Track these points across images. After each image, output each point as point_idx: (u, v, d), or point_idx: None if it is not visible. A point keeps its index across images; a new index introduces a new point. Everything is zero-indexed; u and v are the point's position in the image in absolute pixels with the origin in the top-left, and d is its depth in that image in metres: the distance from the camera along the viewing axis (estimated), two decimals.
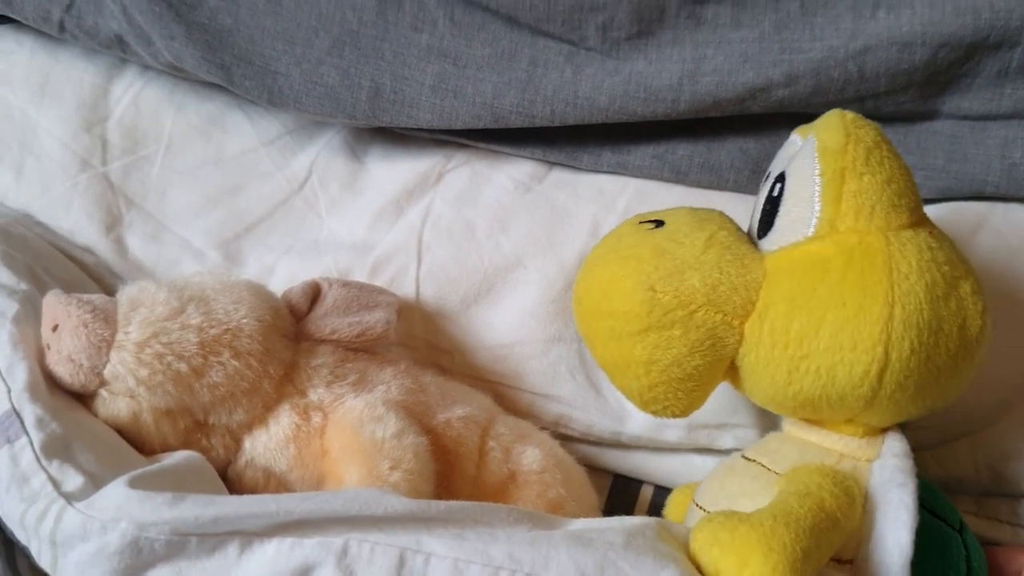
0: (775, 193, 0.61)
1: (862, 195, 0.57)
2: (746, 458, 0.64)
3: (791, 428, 0.65)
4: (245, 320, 0.64)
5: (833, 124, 0.59)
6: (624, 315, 0.60)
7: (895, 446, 0.61)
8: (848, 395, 0.58)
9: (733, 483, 0.63)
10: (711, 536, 0.51)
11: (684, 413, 0.62)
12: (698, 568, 0.51)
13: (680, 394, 0.60)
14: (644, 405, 0.62)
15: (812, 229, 0.58)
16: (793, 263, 0.58)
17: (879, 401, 0.58)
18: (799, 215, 0.59)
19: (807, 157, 0.59)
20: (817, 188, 0.58)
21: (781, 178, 0.61)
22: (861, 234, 0.57)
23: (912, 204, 0.59)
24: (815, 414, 0.62)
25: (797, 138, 0.65)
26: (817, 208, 0.58)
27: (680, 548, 0.52)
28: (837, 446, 0.62)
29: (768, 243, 0.61)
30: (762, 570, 0.48)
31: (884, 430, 0.62)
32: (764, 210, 0.62)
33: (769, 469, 0.61)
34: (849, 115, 0.60)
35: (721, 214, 0.64)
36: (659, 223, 0.62)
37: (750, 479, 0.62)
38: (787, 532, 0.50)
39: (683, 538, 0.54)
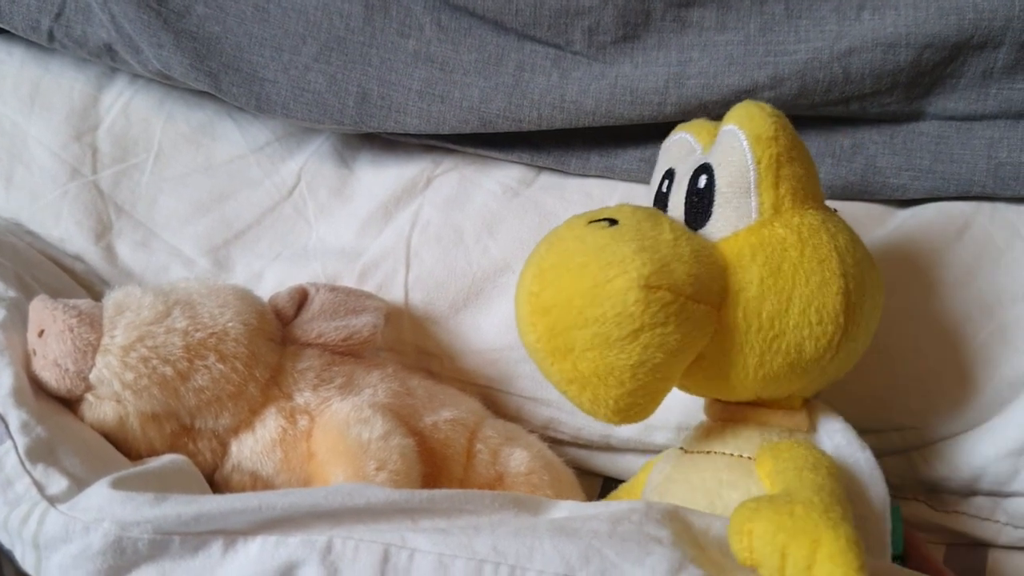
0: (701, 185, 0.61)
1: (795, 179, 0.59)
2: (698, 452, 0.63)
3: (730, 412, 0.64)
4: (231, 324, 0.64)
5: (756, 114, 0.59)
6: (615, 318, 0.55)
7: (829, 416, 0.63)
8: (811, 368, 0.59)
9: (707, 478, 0.61)
10: (772, 524, 0.48)
11: (646, 416, 0.59)
12: (758, 559, 0.49)
13: (658, 395, 0.58)
14: (617, 412, 0.58)
15: (757, 214, 0.59)
16: (753, 248, 0.58)
17: (826, 371, 0.60)
18: (740, 203, 0.59)
19: (734, 148, 0.59)
20: (754, 175, 0.59)
21: (705, 170, 0.60)
22: (801, 215, 0.59)
23: (819, 187, 0.62)
24: (767, 392, 0.61)
25: (687, 135, 0.66)
26: (758, 194, 0.59)
27: (670, 527, 0.51)
28: (784, 421, 0.63)
29: (710, 232, 0.60)
30: (836, 545, 0.46)
31: (806, 401, 0.64)
32: (692, 203, 0.61)
33: (738, 455, 0.61)
34: (766, 105, 0.60)
35: (655, 208, 0.64)
36: (613, 221, 0.59)
37: (725, 469, 0.60)
38: (837, 505, 0.49)
39: (678, 516, 0.52)
